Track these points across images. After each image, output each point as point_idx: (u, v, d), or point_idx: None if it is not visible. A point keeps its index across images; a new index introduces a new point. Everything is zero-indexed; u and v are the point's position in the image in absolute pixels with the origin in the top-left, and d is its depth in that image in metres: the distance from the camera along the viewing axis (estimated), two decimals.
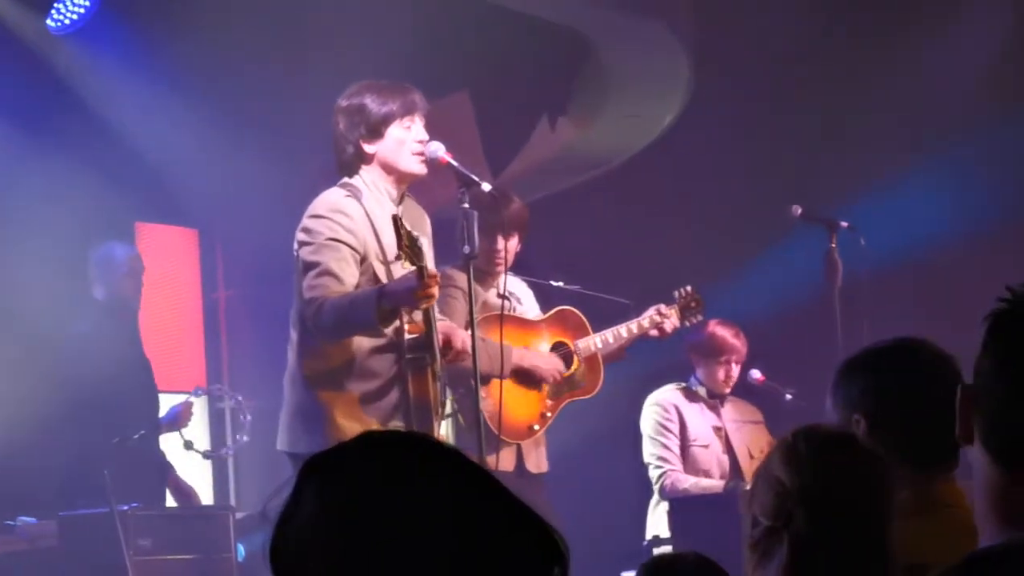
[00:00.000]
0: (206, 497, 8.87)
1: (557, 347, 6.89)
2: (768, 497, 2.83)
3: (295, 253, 5.51)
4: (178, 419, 7.57)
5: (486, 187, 5.62)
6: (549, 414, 6.75)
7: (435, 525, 1.64)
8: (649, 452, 7.61)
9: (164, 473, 7.62)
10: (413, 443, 1.72)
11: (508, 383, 6.38)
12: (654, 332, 7.11)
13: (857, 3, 8.66)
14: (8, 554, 6.84)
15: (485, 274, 6.64)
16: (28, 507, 7.09)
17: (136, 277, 7.68)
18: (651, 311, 7.14)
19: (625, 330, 7.04)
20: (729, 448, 7.64)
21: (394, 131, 5.54)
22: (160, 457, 7.64)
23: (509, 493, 1.69)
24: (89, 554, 6.69)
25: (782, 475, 2.82)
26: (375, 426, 5.35)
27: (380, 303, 5.21)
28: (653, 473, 7.59)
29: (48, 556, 6.56)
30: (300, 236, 5.50)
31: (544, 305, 7.01)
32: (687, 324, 7.30)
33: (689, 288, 7.33)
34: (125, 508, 6.69)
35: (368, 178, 5.57)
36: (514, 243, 6.74)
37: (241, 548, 7.12)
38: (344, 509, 1.66)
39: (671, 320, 7.14)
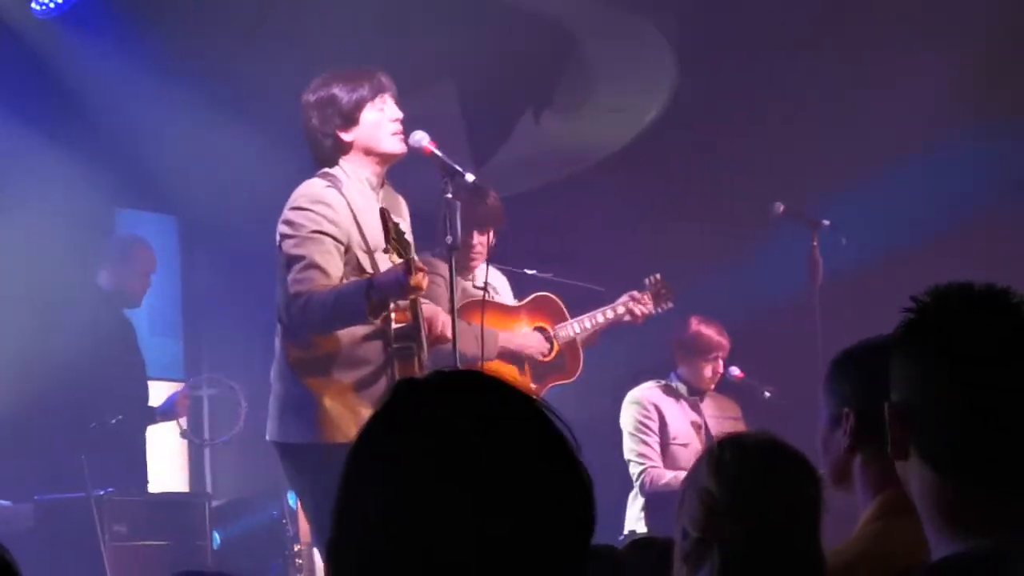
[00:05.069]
0: (182, 484, 8.85)
1: (536, 332, 7.02)
2: (697, 508, 2.81)
3: (278, 245, 5.48)
4: (174, 408, 7.58)
5: (470, 177, 5.62)
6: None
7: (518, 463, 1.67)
8: (629, 448, 7.63)
9: (145, 460, 7.61)
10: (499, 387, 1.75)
11: (493, 367, 6.41)
12: (628, 318, 7.28)
13: (842, 3, 8.65)
14: None
15: (460, 267, 6.65)
16: (3, 490, 7.06)
17: (148, 277, 7.69)
18: (624, 297, 7.29)
19: (601, 316, 7.20)
20: (710, 442, 7.64)
21: (368, 114, 5.55)
22: (143, 444, 7.62)
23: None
24: (64, 539, 6.67)
25: (710, 486, 2.81)
26: (366, 413, 5.35)
27: (369, 296, 5.20)
28: (633, 470, 7.60)
29: (23, 540, 6.50)
30: (282, 229, 5.47)
31: (517, 293, 7.07)
32: (659, 310, 7.39)
33: (659, 276, 7.42)
34: (101, 493, 6.67)
35: (348, 167, 5.56)
36: (489, 237, 6.79)
37: (217, 535, 7.11)
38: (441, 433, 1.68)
39: (645, 306, 7.29)
